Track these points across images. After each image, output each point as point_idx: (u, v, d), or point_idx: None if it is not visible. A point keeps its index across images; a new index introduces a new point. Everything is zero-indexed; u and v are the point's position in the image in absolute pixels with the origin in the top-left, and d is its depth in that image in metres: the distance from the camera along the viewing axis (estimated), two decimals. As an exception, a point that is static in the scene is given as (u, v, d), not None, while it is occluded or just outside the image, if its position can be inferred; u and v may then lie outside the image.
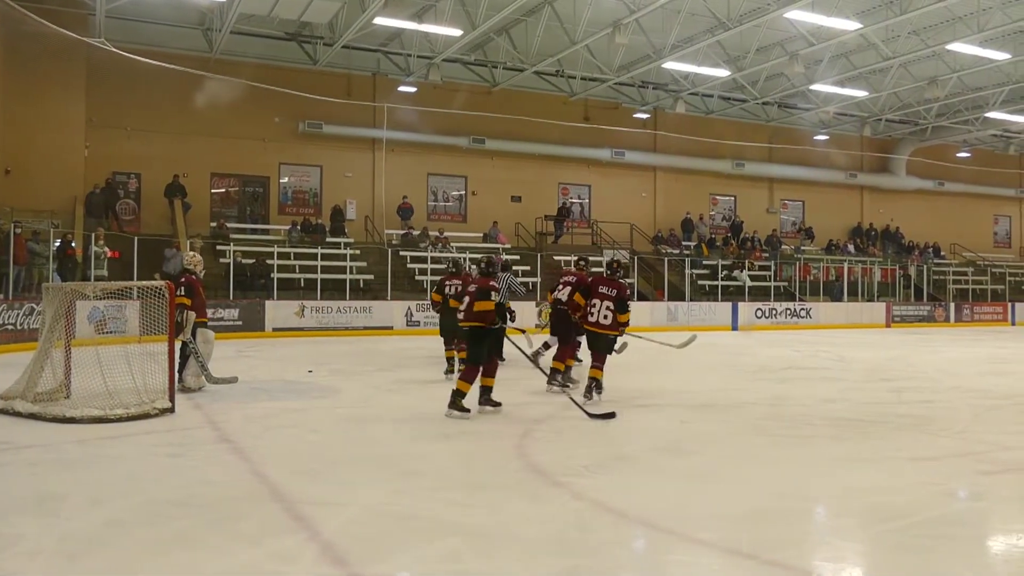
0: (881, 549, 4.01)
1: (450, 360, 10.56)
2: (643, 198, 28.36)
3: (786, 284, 26.61)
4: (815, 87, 24.54)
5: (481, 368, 7.58)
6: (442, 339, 10.84)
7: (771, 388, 10.21)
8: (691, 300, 23.81)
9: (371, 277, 20.88)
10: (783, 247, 29.32)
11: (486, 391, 7.73)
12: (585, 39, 20.03)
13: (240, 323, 17.87)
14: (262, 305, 18.45)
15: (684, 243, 27.56)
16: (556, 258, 24.05)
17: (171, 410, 7.45)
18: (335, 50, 21.16)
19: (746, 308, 23.82)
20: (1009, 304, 29.33)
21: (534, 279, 22.47)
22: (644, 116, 27.26)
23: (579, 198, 27.63)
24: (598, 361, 8.49)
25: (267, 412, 7.85)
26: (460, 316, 7.92)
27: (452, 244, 23.34)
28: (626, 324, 8.45)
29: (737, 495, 4.87)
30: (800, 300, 25.84)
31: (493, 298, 7.57)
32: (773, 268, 26.61)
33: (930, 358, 14.77)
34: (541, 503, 4.67)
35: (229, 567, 3.64)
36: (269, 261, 19.69)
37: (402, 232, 23.65)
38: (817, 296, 26.67)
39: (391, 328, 19.63)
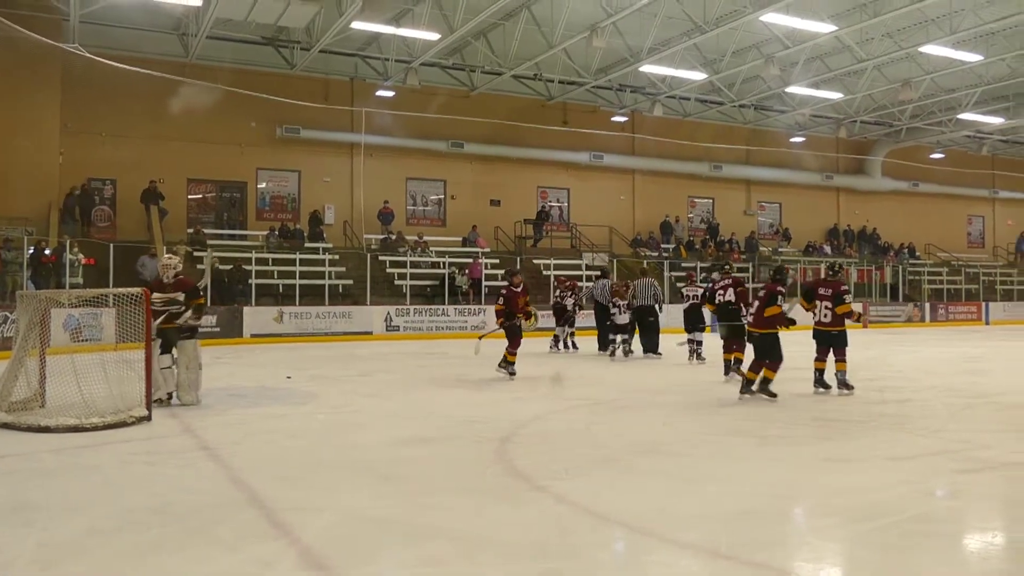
0: (860, 549, 4.03)
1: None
2: (622, 201, 28.48)
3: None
4: (791, 89, 24.75)
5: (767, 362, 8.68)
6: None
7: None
8: (669, 303, 23.85)
9: (350, 282, 20.81)
10: (761, 249, 29.52)
11: (766, 382, 8.70)
12: (563, 42, 20.09)
13: (218, 329, 17.73)
14: (240, 311, 18.33)
15: (663, 245, 27.69)
16: (535, 261, 24.09)
17: (148, 418, 7.37)
18: (312, 55, 21.07)
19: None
20: (983, 303, 29.69)
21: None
22: (622, 119, 27.37)
23: (558, 201, 27.69)
24: (822, 356, 9.33)
25: (245, 418, 7.79)
26: (750, 320, 8.99)
27: (431, 248, 23.32)
28: (846, 315, 9.21)
29: (718, 496, 4.88)
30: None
31: (779, 303, 8.76)
32: (751, 270, 26.77)
33: (907, 358, 14.92)
34: (523, 507, 4.66)
35: (207, 574, 3.60)
36: (247, 267, 19.56)
37: (381, 237, 23.59)
38: (795, 297, 26.82)
39: (371, 333, 19.57)
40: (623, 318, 14.02)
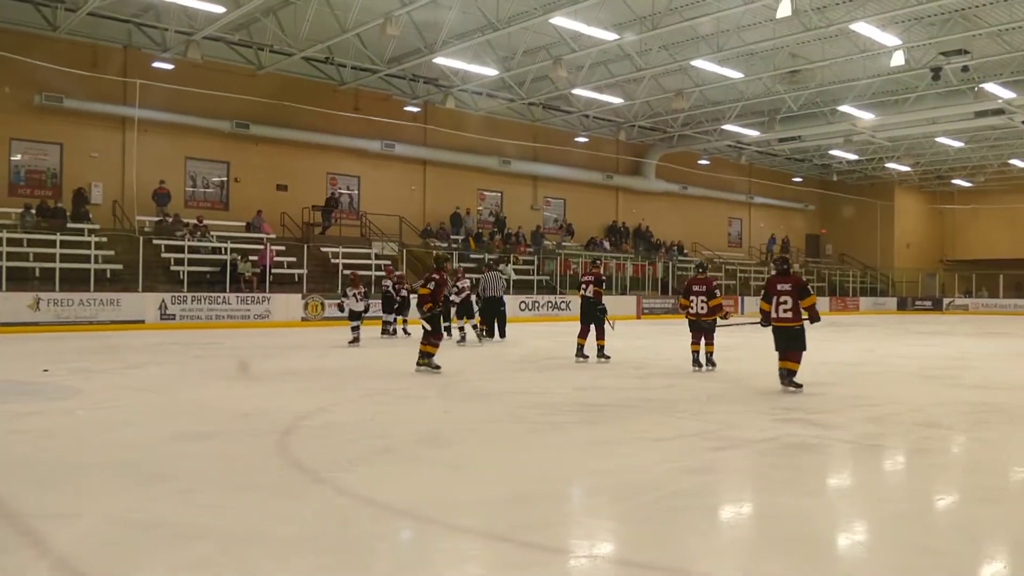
0: (627, 524, 4.32)
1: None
2: (413, 191, 28.52)
3: (548, 278, 27.89)
4: (576, 91, 25.87)
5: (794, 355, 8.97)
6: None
7: (531, 377, 10.67)
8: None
9: (120, 267, 19.32)
10: (545, 243, 30.69)
11: (791, 374, 8.94)
12: (356, 28, 19.75)
13: (-41, 317, 15.85)
14: (-13, 297, 16.49)
15: (452, 237, 28.04)
16: (324, 249, 23.59)
17: None
18: (79, 17, 19.24)
19: (511, 301, 24.59)
20: (739, 297, 32.72)
21: (300, 271, 21.90)
22: (415, 109, 27.37)
23: (348, 189, 27.25)
24: (696, 340, 11.12)
25: (-9, 416, 7.02)
26: (787, 316, 8.91)
27: (212, 233, 22.15)
28: (717, 307, 10.93)
29: (496, 481, 5.03)
30: (560, 293, 27.18)
31: (813, 292, 9.08)
32: (536, 262, 27.78)
33: (673, 347, 16.04)
34: (302, 501, 4.56)
35: (-62, 593, 3.22)
36: (-4, 248, 17.63)
37: (156, 219, 22.07)
38: (576, 289, 28.14)
39: (143, 322, 18.30)
40: (358, 305, 15.19)
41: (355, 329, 14.92)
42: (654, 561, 3.70)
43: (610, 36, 20.15)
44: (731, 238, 41.02)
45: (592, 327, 12.09)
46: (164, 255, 20.54)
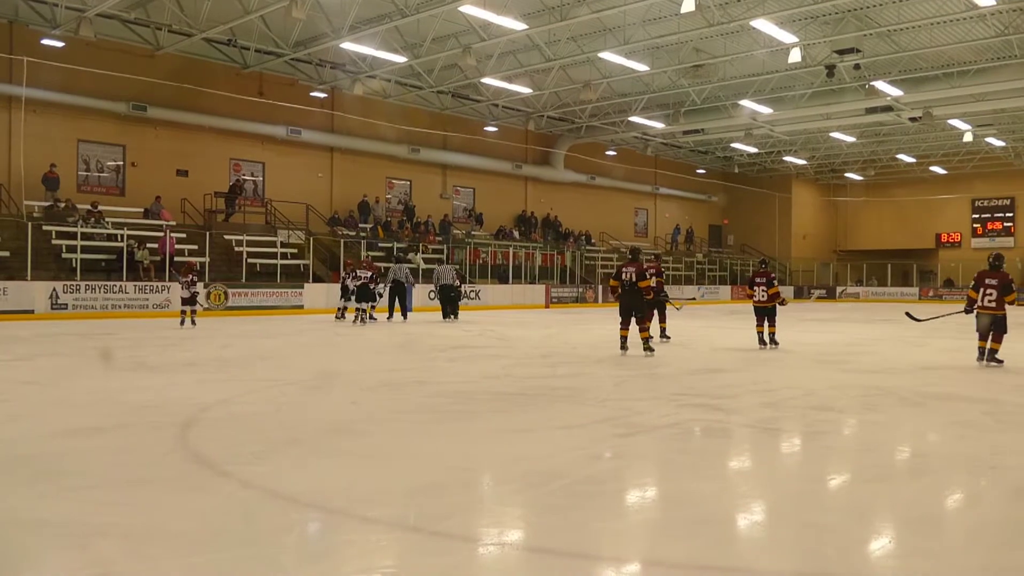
0: (536, 511, 4.36)
1: (624, 339, 11.85)
2: (320, 178, 28.01)
3: (457, 267, 27.83)
4: (486, 80, 25.85)
5: None
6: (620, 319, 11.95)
7: (441, 366, 10.66)
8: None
9: (6, 254, 18.34)
10: (455, 232, 30.63)
11: (992, 352, 10.49)
12: (260, 10, 19.21)
13: None
14: None
15: (361, 225, 27.69)
16: (227, 237, 22.94)
17: None
18: (-43, -11, 18.10)
19: (420, 290, 24.52)
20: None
21: (202, 259, 21.23)
22: (321, 95, 26.84)
23: (252, 175, 26.54)
24: (760, 323, 12.81)
25: None
26: (991, 305, 10.36)
27: (108, 219, 21.24)
28: (775, 295, 12.81)
29: (406, 471, 5.00)
30: (470, 282, 27.20)
31: (1015, 290, 10.66)
32: (446, 251, 27.71)
33: (581, 336, 16.31)
34: (205, 495, 4.43)
35: None
36: None
37: (46, 204, 20.99)
38: (486, 279, 28.29)
39: (32, 312, 17.43)
40: (185, 292, 16.12)
41: (183, 313, 16.23)
42: (561, 547, 3.76)
43: (519, 26, 20.20)
44: (637, 228, 41.85)
45: (652, 312, 13.37)
46: (55, 242, 19.59)
